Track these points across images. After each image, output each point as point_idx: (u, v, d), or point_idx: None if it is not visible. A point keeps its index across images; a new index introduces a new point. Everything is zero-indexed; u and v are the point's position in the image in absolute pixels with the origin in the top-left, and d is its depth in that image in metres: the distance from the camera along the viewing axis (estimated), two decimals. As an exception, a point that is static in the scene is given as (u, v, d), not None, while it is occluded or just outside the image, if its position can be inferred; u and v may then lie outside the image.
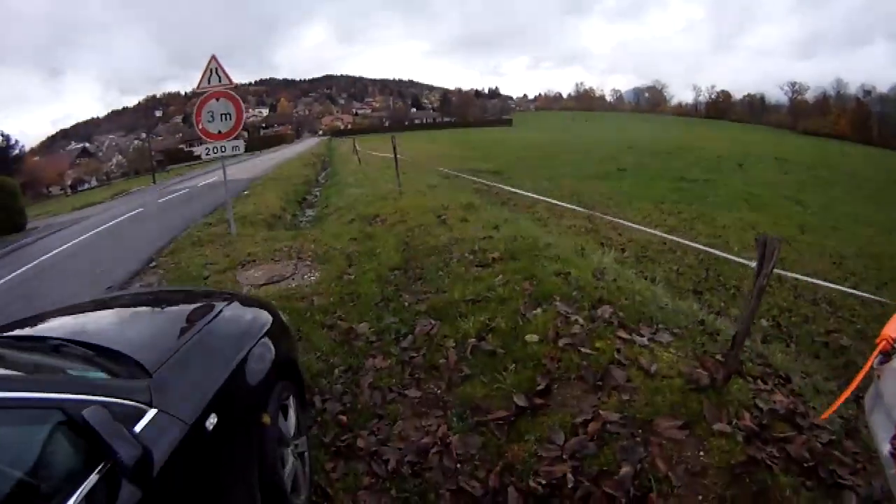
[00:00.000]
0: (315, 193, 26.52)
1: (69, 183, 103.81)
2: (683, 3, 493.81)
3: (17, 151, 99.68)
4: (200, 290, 7.25)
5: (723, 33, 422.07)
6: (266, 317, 4.03)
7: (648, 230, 13.51)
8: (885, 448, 1.91)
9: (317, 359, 5.87)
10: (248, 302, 4.38)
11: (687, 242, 12.28)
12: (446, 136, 74.86)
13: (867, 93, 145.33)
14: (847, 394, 2.46)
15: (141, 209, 23.25)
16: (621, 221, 14.06)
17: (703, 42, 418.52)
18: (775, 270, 3.69)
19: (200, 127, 13.15)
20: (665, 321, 5.24)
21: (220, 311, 3.72)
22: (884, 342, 1.99)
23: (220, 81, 13.04)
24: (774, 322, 9.63)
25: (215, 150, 13.26)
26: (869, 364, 2.07)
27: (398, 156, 16.95)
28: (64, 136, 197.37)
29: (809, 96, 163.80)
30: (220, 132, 13.12)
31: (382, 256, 9.56)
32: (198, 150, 14.63)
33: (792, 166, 35.09)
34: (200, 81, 13.08)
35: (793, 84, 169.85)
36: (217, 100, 13.03)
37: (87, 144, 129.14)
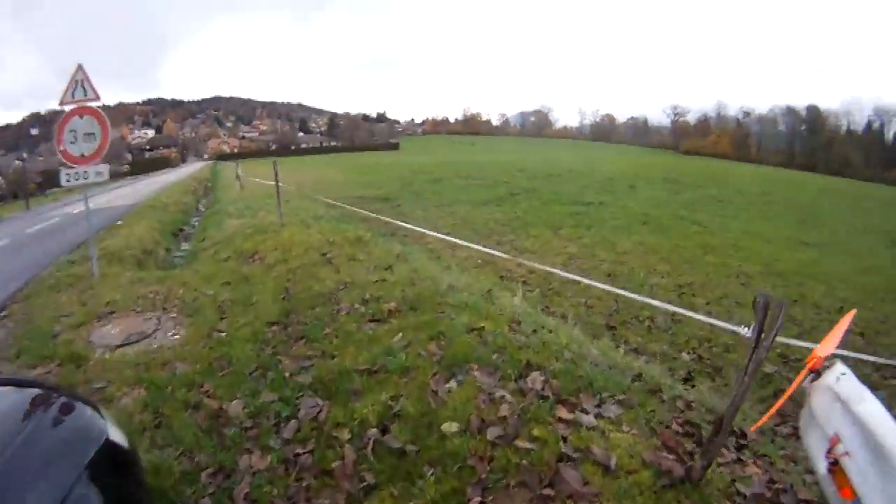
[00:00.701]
0: (193, 223, 25.01)
1: None
2: (570, 30, 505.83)
3: None
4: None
5: (609, 58, 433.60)
6: (96, 433, 2.24)
7: (552, 269, 12.80)
8: (822, 465, 1.96)
9: (179, 456, 4.42)
10: (65, 409, 2.27)
11: (591, 282, 11.64)
12: (333, 161, 73.01)
13: (746, 114, 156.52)
14: (773, 411, 2.43)
15: (5, 241, 20.93)
16: (529, 263, 13.29)
17: (589, 67, 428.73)
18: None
19: (61, 148, 11.37)
20: (606, 385, 4.40)
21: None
22: (814, 361, 2.01)
23: (85, 95, 11.36)
24: (696, 355, 9.15)
25: (76, 177, 11.52)
26: (797, 382, 2.10)
27: (281, 183, 15.65)
28: None
29: (691, 118, 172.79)
30: (82, 155, 11.40)
31: (259, 306, 8.27)
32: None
33: (682, 186, 35.29)
34: (64, 94, 11.32)
35: (675, 107, 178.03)
36: (81, 117, 11.36)
37: None
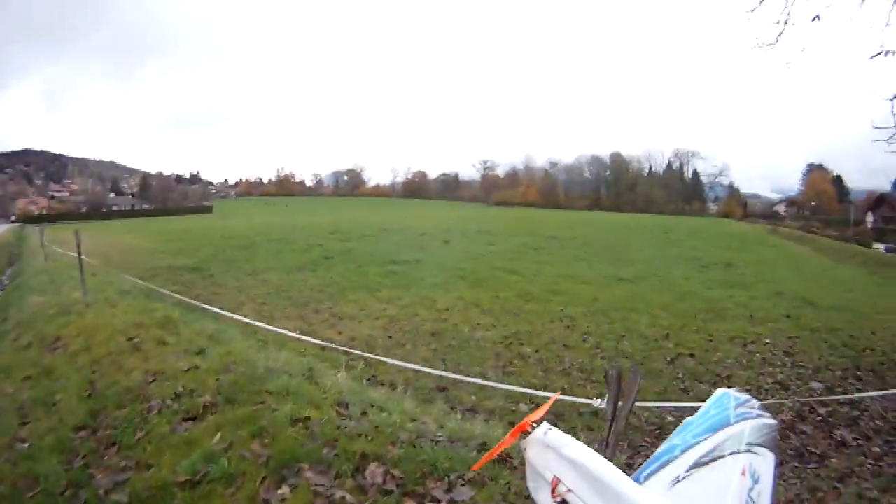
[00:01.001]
0: (-8, 300, 23.07)
1: None
2: (382, 89, 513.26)
3: None
4: None
5: (419, 117, 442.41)
6: None
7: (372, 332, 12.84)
8: None
9: None
10: None
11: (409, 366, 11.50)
12: (144, 226, 69.11)
13: (553, 164, 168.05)
14: (485, 460, 2.58)
15: None
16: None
17: (401, 126, 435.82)
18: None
19: None
20: (452, 464, 4.34)
21: None
22: (525, 424, 2.01)
23: None
24: (534, 405, 9.15)
25: None
26: (507, 440, 2.09)
27: (86, 257, 14.81)
28: None
29: (500, 171, 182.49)
30: None
31: (64, 407, 7.41)
32: None
33: (495, 237, 36.27)
34: None
35: (484, 161, 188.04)
36: None
37: None
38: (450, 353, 12.43)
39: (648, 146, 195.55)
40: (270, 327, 11.91)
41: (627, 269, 25.22)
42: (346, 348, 11.95)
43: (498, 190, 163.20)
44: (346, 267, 24.33)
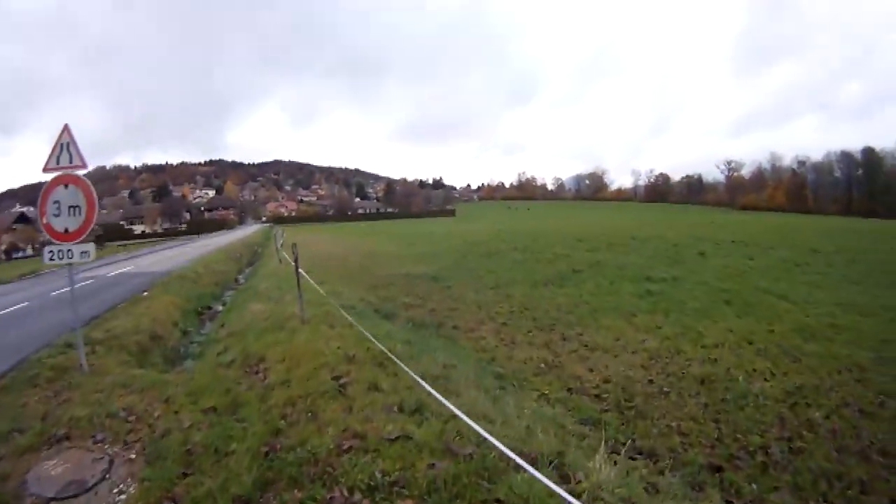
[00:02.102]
0: (226, 299, 23.16)
1: (3, 248, 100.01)
2: (620, 90, 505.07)
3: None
4: None
5: (660, 118, 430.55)
6: None
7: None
8: None
9: None
10: None
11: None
12: (386, 229, 70.62)
13: (801, 163, 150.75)
14: None
15: (26, 304, 19.86)
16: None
17: (642, 127, 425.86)
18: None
19: (45, 222, 9.74)
20: None
21: None
22: None
23: (70, 162, 9.64)
24: None
25: (60, 255, 9.78)
26: None
27: (310, 269, 13.47)
28: (12, 196, 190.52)
29: (746, 172, 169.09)
30: (66, 231, 9.68)
31: (234, 464, 5.90)
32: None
33: (752, 249, 31.07)
34: (48, 160, 9.67)
35: (728, 162, 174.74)
36: (66, 186, 9.65)
37: (31, 208, 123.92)
38: (723, 413, 9.57)
39: None
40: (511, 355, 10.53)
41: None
42: (597, 392, 10.17)
43: (743, 192, 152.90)
44: (596, 283, 21.10)
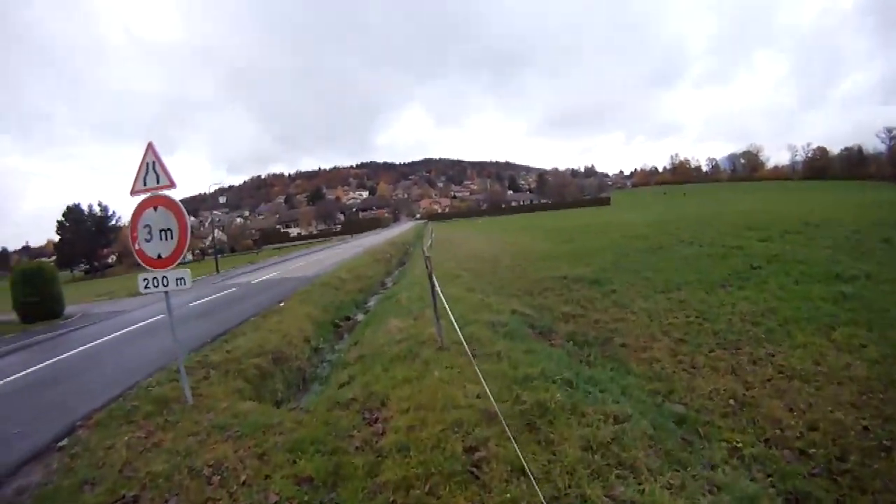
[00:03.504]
0: (370, 306, 22.13)
1: None
2: (768, 62, 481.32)
3: (113, 222, 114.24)
4: None
5: (811, 86, 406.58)
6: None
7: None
8: None
9: None
10: None
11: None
12: (540, 222, 67.30)
13: None
14: None
15: (160, 316, 19.41)
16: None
17: (793, 99, 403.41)
18: None
19: (137, 248, 8.80)
20: None
21: None
22: None
23: (158, 182, 8.72)
24: None
25: (155, 283, 8.82)
26: None
27: (461, 272, 11.73)
28: None
29: None
30: (159, 256, 8.71)
31: None
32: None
33: None
34: (135, 182, 8.80)
35: (889, 130, 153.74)
36: (155, 209, 8.72)
37: (192, 218, 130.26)
38: None
39: None
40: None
41: None
42: (802, 445, 8.10)
43: None
44: (779, 282, 17.66)
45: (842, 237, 26.23)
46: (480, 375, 7.10)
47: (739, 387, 10.30)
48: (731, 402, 9.66)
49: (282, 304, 19.35)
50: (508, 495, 5.28)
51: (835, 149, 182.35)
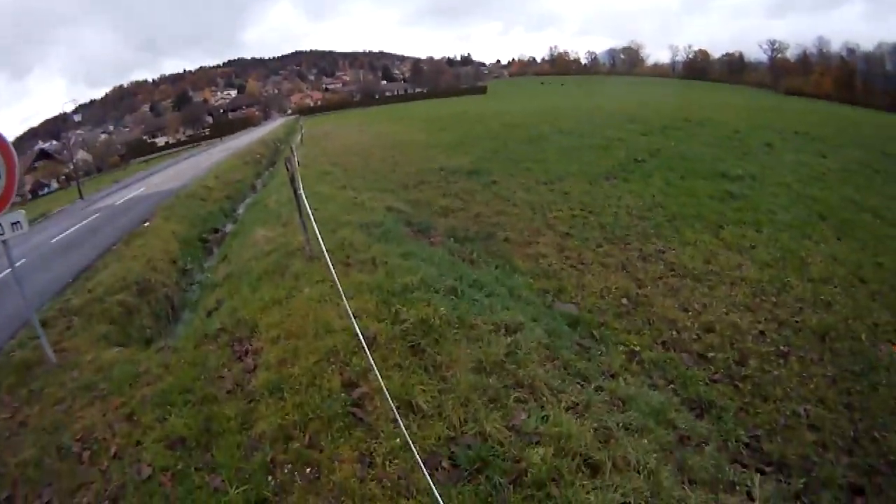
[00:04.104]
0: (238, 215, 21.10)
1: (28, 188, 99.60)
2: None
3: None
4: None
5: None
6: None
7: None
8: None
9: None
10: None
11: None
12: (416, 111, 65.72)
13: (851, 51, 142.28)
14: None
15: (23, 260, 16.11)
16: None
17: (677, 2, 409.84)
18: None
19: None
20: None
21: None
22: None
23: None
24: None
25: None
26: None
27: (331, 165, 10.88)
28: (33, 134, 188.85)
29: (790, 55, 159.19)
30: None
31: None
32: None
33: (820, 145, 27.41)
34: None
35: (773, 42, 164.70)
36: None
37: (53, 142, 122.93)
38: (855, 394, 7.45)
39: None
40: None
41: None
42: (700, 348, 8.12)
43: (788, 75, 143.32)
44: (664, 178, 17.93)
45: (723, 136, 26.91)
46: (346, 300, 6.29)
47: (631, 284, 10.19)
48: (624, 300, 9.50)
49: (146, 225, 18.09)
50: (398, 440, 4.70)
51: (716, 53, 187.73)
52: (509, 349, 6.19)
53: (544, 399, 5.47)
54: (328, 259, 6.88)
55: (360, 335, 5.29)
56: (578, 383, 6.08)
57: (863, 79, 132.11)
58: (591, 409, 5.46)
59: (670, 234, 12.88)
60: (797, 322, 9.10)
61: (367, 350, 5.08)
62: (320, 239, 7.69)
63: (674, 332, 8.38)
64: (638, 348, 7.80)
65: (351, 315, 5.82)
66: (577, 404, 5.49)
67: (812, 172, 20.14)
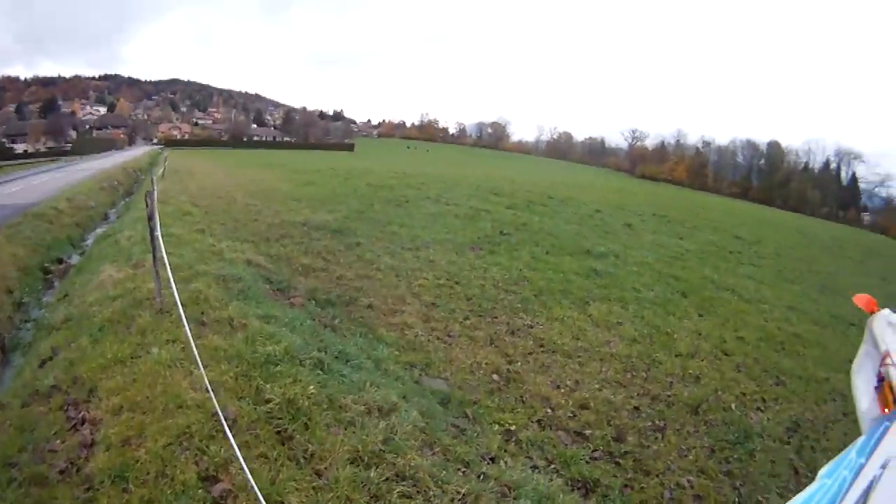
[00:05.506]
0: (87, 245, 19.59)
1: None
2: (533, 44, 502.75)
3: None
4: None
5: (569, 77, 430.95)
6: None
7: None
8: (867, 395, 2.06)
9: None
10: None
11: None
12: (282, 160, 64.31)
13: (706, 143, 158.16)
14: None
15: None
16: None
17: (549, 84, 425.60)
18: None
19: None
20: None
21: None
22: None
23: None
24: None
25: None
26: None
27: (198, 206, 10.04)
28: None
29: (649, 143, 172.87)
30: None
31: None
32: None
33: (677, 227, 29.43)
34: None
35: (634, 130, 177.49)
36: None
37: None
38: (734, 462, 7.54)
39: (809, 139, 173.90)
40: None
41: (847, 307, 17.11)
42: (577, 427, 7.75)
43: (645, 162, 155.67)
44: (530, 252, 17.89)
45: (585, 214, 28.09)
46: (202, 369, 5.61)
47: (501, 360, 9.76)
48: (495, 376, 9.09)
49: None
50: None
51: (580, 136, 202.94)
52: (386, 435, 5.71)
53: (430, 493, 5.06)
54: (183, 317, 6.18)
55: (220, 415, 4.60)
56: (460, 470, 5.70)
57: (714, 169, 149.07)
58: (482, 500, 5.18)
59: (538, 308, 12.71)
60: (669, 396, 9.07)
61: (229, 435, 4.28)
62: (175, 292, 6.95)
63: (548, 410, 8.12)
64: (514, 427, 7.45)
65: (209, 389, 5.13)
66: (465, 496, 5.13)
67: (671, 252, 21.25)
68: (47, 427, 5.95)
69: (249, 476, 3.92)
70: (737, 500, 6.78)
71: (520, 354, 10.07)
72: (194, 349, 5.71)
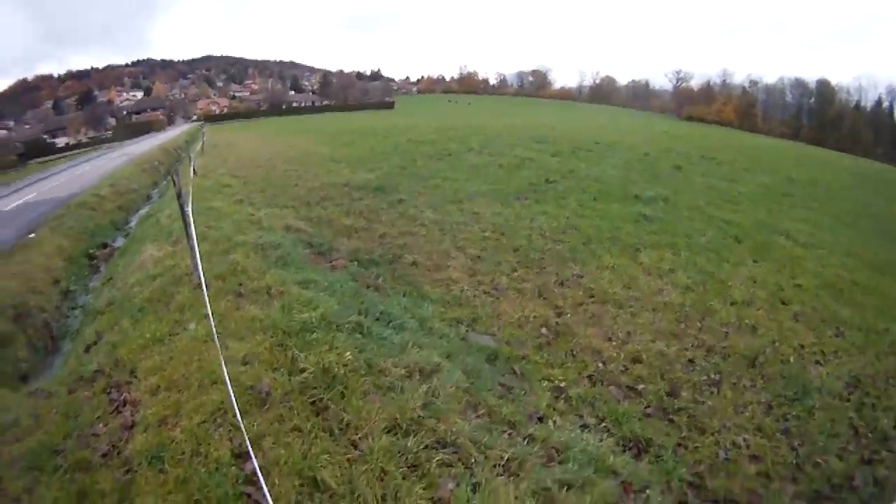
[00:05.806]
0: (130, 227, 19.59)
1: None
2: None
3: None
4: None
5: (610, 17, 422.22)
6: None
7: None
8: None
9: None
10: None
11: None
12: (322, 124, 63.76)
13: (753, 82, 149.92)
14: None
15: None
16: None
17: (590, 26, 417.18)
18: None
19: None
20: None
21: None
22: None
23: None
24: None
25: None
26: None
27: (233, 177, 9.95)
28: None
29: (694, 84, 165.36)
30: None
31: None
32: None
33: (729, 169, 28.51)
34: None
35: (678, 71, 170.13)
36: None
37: None
38: (792, 420, 7.11)
39: (860, 74, 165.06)
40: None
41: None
42: (629, 381, 7.48)
43: (691, 104, 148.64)
44: (577, 199, 17.37)
45: (633, 159, 27.15)
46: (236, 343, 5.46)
47: (550, 312, 9.51)
48: (544, 330, 8.83)
49: (32, 236, 16.62)
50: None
51: (623, 80, 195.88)
52: (426, 399, 5.52)
53: (472, 460, 4.88)
54: (205, 291, 6.06)
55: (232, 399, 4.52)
56: (506, 433, 5.52)
57: (763, 108, 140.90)
58: (525, 467, 4.94)
59: (587, 257, 12.32)
60: (725, 348, 8.71)
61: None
62: (199, 266, 7.03)
63: (600, 364, 7.83)
64: (563, 384, 7.20)
65: (223, 364, 5.01)
66: (509, 461, 4.93)
67: (722, 196, 20.41)
68: (91, 412, 5.96)
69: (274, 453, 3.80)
70: (794, 461, 6.43)
71: (569, 306, 9.81)
72: (212, 325, 5.62)
